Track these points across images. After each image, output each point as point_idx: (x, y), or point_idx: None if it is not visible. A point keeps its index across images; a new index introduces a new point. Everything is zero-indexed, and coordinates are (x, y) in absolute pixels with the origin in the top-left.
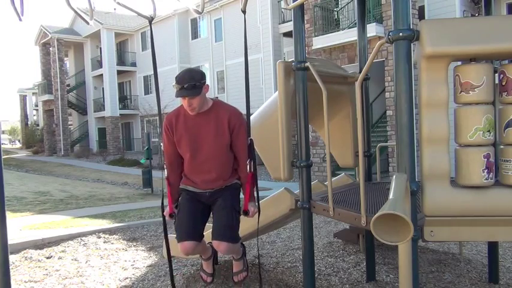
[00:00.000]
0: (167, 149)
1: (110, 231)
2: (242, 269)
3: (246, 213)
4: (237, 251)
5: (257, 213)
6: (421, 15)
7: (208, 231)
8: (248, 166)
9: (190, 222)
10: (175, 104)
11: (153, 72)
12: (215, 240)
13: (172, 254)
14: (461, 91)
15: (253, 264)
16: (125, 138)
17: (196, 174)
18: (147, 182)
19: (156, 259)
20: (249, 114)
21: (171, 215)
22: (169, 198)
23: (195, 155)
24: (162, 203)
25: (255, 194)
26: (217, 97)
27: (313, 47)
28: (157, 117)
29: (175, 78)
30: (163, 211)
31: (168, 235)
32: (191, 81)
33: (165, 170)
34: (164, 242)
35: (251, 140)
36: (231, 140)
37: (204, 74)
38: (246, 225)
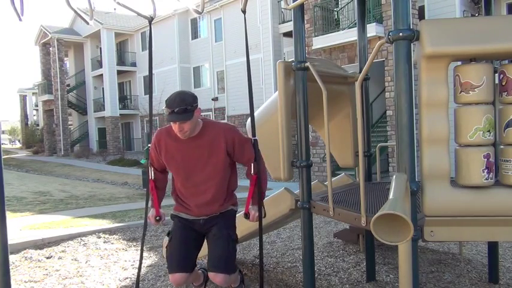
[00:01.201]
0: (152, 164)
1: (110, 231)
2: None
3: (247, 216)
4: (234, 280)
5: (257, 219)
6: (421, 15)
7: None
8: (252, 168)
9: (182, 253)
10: None
11: (148, 73)
12: (211, 272)
13: None
14: (461, 91)
15: (254, 265)
16: (124, 138)
17: (189, 197)
18: (147, 182)
19: (156, 259)
20: (252, 113)
21: (157, 219)
22: (155, 201)
23: (188, 178)
24: (146, 206)
25: (262, 198)
26: (216, 97)
27: (313, 47)
28: (151, 119)
29: (166, 101)
30: (146, 214)
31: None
32: (182, 105)
33: (152, 173)
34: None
35: (255, 140)
36: (235, 155)
37: (195, 97)
38: (246, 225)
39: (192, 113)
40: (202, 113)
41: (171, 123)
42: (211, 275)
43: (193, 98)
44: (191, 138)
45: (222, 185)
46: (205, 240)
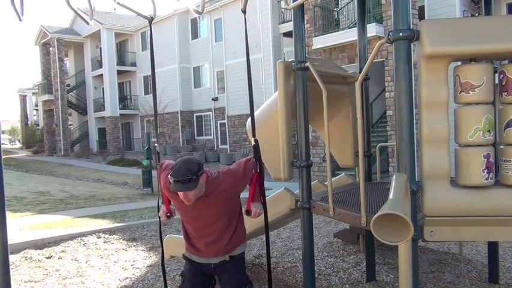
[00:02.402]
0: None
1: (110, 231)
2: None
3: (248, 213)
4: None
5: (259, 214)
6: (421, 15)
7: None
8: (254, 167)
9: None
10: (175, 104)
11: (151, 73)
12: None
13: (172, 254)
14: (461, 91)
15: (254, 265)
16: (124, 138)
17: (198, 236)
18: (147, 182)
19: (156, 259)
20: (252, 113)
21: (167, 216)
22: (165, 198)
23: (196, 221)
24: (158, 204)
25: (262, 195)
26: (216, 97)
27: (313, 47)
28: (156, 117)
29: (171, 168)
30: (158, 211)
31: (172, 235)
32: (187, 174)
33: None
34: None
35: (256, 140)
36: (244, 184)
37: (201, 165)
38: (247, 224)
39: (197, 182)
40: (202, 113)
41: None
42: None
43: (199, 167)
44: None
45: (230, 222)
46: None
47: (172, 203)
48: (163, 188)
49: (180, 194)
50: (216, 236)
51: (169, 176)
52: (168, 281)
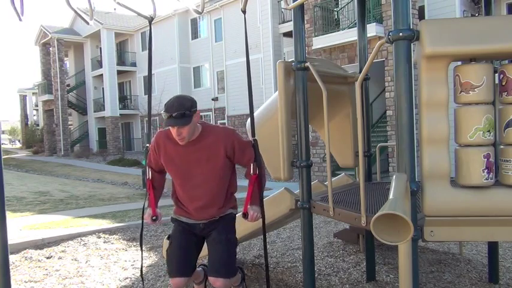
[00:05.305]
0: (150, 164)
1: (110, 231)
2: None
3: (245, 215)
4: (236, 281)
5: (256, 218)
6: (421, 15)
7: None
8: (252, 168)
9: (182, 258)
10: None
11: (147, 73)
12: (211, 276)
13: None
14: (461, 91)
15: (254, 265)
16: (124, 138)
17: (188, 201)
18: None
19: (156, 259)
20: (252, 113)
21: (153, 219)
22: (152, 201)
23: (187, 181)
24: (144, 207)
25: (260, 198)
26: (216, 97)
27: (313, 47)
28: (150, 119)
29: (164, 105)
30: (143, 214)
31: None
32: (180, 109)
33: (149, 173)
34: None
35: (255, 140)
36: (236, 158)
37: (194, 101)
38: (246, 225)
39: (191, 118)
40: (202, 114)
41: (170, 127)
42: (211, 279)
43: (192, 103)
44: (190, 142)
45: (220, 188)
46: (205, 243)
47: (164, 163)
48: (155, 147)
49: (173, 132)
50: (206, 201)
51: (162, 112)
52: (168, 281)
